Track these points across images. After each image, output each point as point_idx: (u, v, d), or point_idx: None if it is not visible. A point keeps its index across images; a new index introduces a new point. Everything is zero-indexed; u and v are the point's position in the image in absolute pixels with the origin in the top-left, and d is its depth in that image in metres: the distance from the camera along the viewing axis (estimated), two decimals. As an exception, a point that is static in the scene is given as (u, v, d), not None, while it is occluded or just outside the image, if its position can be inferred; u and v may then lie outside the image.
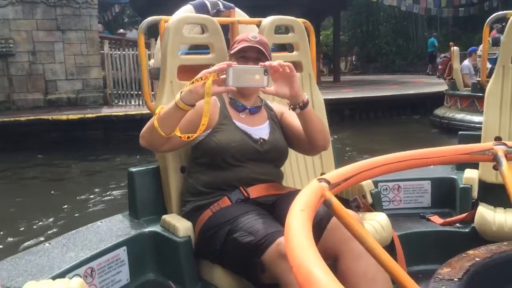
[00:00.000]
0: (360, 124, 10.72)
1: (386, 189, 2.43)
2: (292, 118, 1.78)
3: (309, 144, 1.72)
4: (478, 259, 0.95)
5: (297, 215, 0.78)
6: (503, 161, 1.25)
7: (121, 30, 15.34)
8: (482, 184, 2.28)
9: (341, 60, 22.97)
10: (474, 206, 2.19)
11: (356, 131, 9.80)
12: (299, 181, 2.17)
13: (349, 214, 0.89)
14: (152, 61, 2.60)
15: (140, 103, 9.46)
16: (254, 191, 1.64)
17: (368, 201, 2.03)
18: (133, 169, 1.97)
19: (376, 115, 11.37)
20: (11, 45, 9.22)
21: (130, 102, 9.79)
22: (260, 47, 1.68)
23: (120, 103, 9.88)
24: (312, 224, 0.75)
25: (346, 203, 2.05)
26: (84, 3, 9.78)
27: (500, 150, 1.28)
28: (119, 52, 9.83)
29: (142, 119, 6.91)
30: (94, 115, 8.39)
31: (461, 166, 2.46)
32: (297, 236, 0.68)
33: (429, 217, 2.30)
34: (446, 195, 2.40)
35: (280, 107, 1.89)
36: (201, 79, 1.47)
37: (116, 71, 9.82)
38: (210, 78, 1.47)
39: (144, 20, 2.03)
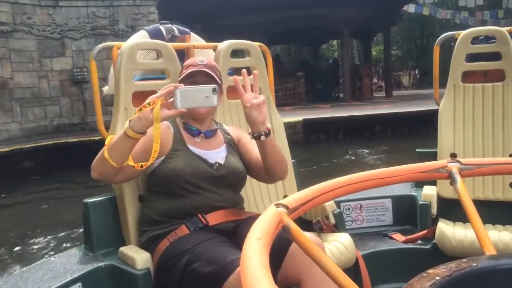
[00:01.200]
0: (391, 139, 10.32)
1: (349, 208, 2.43)
2: (250, 146, 1.76)
3: (267, 174, 1.69)
4: (438, 278, 0.94)
5: (254, 243, 0.75)
6: (458, 177, 1.27)
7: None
8: (441, 200, 2.32)
9: (404, 75, 22.93)
10: (434, 222, 2.22)
11: (388, 145, 9.72)
12: (261, 205, 2.14)
13: (308, 239, 0.87)
14: (106, 87, 2.54)
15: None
16: (213, 218, 1.59)
17: (331, 222, 2.02)
18: (88, 200, 1.89)
19: (410, 131, 10.71)
20: (85, 73, 10.56)
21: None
22: (208, 71, 1.67)
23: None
24: (270, 251, 0.72)
25: (309, 225, 2.04)
26: (148, 32, 10.57)
27: (454, 167, 1.30)
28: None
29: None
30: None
31: (420, 183, 2.51)
32: (252, 266, 0.65)
33: (392, 235, 2.31)
34: (407, 212, 2.43)
35: (237, 131, 1.86)
36: (149, 105, 1.43)
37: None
38: (158, 102, 1.43)
39: (96, 47, 1.98)
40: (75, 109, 10.91)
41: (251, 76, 1.56)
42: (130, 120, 1.47)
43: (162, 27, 2.43)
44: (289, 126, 9.96)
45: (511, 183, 2.35)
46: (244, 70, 1.59)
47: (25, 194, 6.85)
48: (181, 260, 1.45)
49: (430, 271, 1.01)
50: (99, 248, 1.85)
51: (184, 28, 2.52)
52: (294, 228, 0.88)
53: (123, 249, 1.73)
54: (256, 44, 2.32)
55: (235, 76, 1.55)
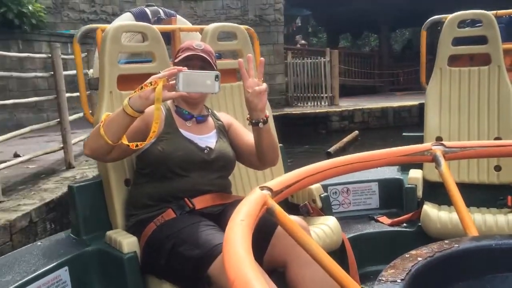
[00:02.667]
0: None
1: (336, 192, 2.45)
2: (241, 132, 1.76)
3: (259, 159, 1.70)
4: (420, 259, 0.95)
5: (237, 225, 0.75)
6: (442, 161, 1.28)
7: (297, 37, 16.45)
8: (426, 183, 2.35)
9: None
10: (420, 205, 2.25)
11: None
12: (248, 189, 2.15)
13: (292, 221, 0.87)
14: (91, 70, 2.51)
15: (316, 104, 11.44)
16: (200, 202, 1.59)
17: (318, 205, 2.03)
18: (74, 184, 1.88)
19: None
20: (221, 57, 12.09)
21: (307, 104, 11.59)
22: (205, 56, 1.65)
23: (299, 104, 11.74)
24: (255, 233, 0.72)
25: (296, 208, 2.05)
26: (273, 21, 11.87)
27: (438, 150, 1.31)
28: (299, 61, 11.65)
29: (316, 117, 10.30)
30: (277, 113, 9.20)
31: (406, 166, 2.53)
32: (234, 247, 0.66)
33: (378, 218, 2.34)
34: (393, 195, 2.46)
35: (228, 118, 1.86)
36: (151, 84, 1.42)
37: (296, 77, 11.72)
38: (160, 83, 1.42)
39: (80, 29, 1.95)
40: None
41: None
42: (129, 98, 1.45)
43: (147, 9, 2.39)
44: (404, 110, 10.45)
45: (495, 166, 2.38)
46: (250, 55, 1.59)
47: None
48: (167, 243, 1.45)
49: (413, 252, 1.02)
50: (86, 232, 1.84)
51: (170, 11, 2.49)
52: (279, 210, 0.88)
53: (110, 233, 1.72)
54: (243, 27, 2.30)
55: (240, 60, 1.54)
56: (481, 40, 2.49)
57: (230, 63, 2.24)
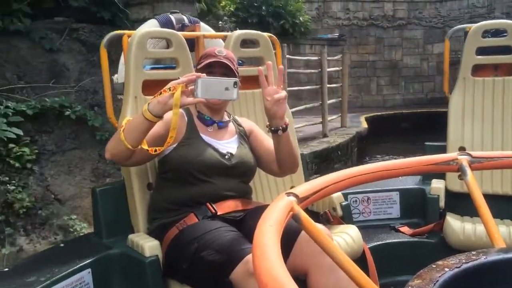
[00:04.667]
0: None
1: (356, 201, 2.43)
2: (262, 138, 1.77)
3: (279, 167, 1.70)
4: (447, 270, 0.94)
5: (266, 231, 0.75)
6: (468, 170, 1.27)
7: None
8: (449, 194, 2.32)
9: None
10: (442, 215, 2.22)
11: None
12: (269, 196, 2.15)
13: (317, 228, 0.87)
14: (116, 76, 2.55)
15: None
16: (222, 207, 1.60)
17: (338, 214, 2.02)
18: (97, 187, 1.91)
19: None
20: (458, 55, 13.16)
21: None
22: (227, 62, 1.66)
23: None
24: (280, 239, 0.73)
25: (316, 216, 2.04)
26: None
27: (464, 160, 1.29)
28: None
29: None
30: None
31: (428, 176, 2.50)
32: (265, 254, 0.66)
33: (399, 228, 2.32)
34: (415, 205, 2.43)
35: (249, 124, 1.87)
36: (169, 90, 1.44)
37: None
38: (179, 89, 1.43)
39: (107, 35, 1.98)
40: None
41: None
42: (148, 104, 1.47)
43: (172, 17, 2.43)
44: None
45: None
46: (269, 62, 1.59)
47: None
48: (190, 248, 1.46)
49: (440, 262, 1.01)
50: (108, 235, 1.86)
51: (194, 18, 2.52)
52: (304, 217, 0.88)
53: (132, 236, 1.74)
54: (266, 34, 2.32)
55: (259, 68, 1.55)
56: (506, 50, 2.46)
57: (252, 70, 2.26)
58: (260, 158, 1.76)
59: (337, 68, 8.44)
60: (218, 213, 1.59)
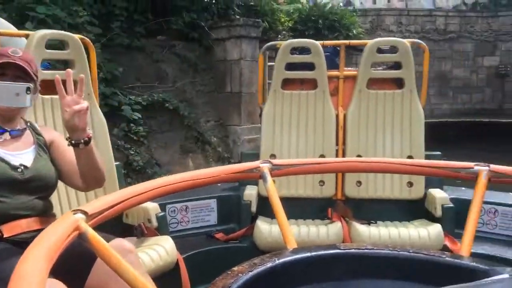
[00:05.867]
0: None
1: (174, 210, 2.41)
2: (64, 149, 1.59)
3: (83, 181, 1.56)
4: (241, 275, 0.97)
5: (34, 252, 0.67)
6: (268, 177, 1.35)
7: None
8: (261, 198, 2.46)
9: None
10: (254, 220, 2.34)
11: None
12: None
13: (106, 247, 0.82)
14: None
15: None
16: (9, 229, 1.40)
17: (153, 226, 1.97)
18: None
19: None
20: (508, 68, 13.07)
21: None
22: (23, 64, 1.47)
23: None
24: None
25: (131, 229, 1.96)
26: None
27: (265, 167, 1.37)
28: None
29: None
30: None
31: (246, 182, 2.62)
32: (25, 277, 0.58)
33: (215, 235, 2.37)
34: (231, 211, 2.52)
35: (51, 133, 1.68)
36: None
37: None
38: None
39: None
40: (495, 98, 13.52)
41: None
42: None
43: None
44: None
45: (320, 181, 2.62)
46: (69, 70, 1.44)
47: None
48: None
49: (235, 268, 1.04)
50: None
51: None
52: (92, 236, 0.81)
53: None
54: (77, 36, 2.15)
55: (56, 75, 1.39)
56: (310, 66, 2.73)
57: (52, 74, 2.07)
58: (62, 171, 1.60)
59: None
60: (5, 236, 1.39)
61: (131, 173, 5.43)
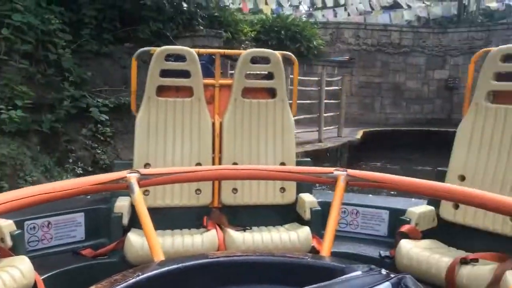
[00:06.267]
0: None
1: (34, 227, 2.19)
2: None
3: None
4: (100, 293, 0.90)
5: None
6: (136, 188, 1.28)
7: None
8: (134, 210, 2.35)
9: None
10: (126, 233, 2.22)
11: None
12: None
13: None
14: None
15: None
16: None
17: (7, 245, 1.76)
18: None
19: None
20: (456, 81, 14.52)
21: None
22: None
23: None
24: None
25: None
26: None
27: (133, 178, 1.30)
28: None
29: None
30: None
31: (117, 193, 2.47)
32: None
33: (81, 251, 2.20)
34: (101, 225, 2.36)
35: None
36: None
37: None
38: None
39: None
40: (444, 108, 14.67)
41: None
42: None
43: None
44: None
45: (197, 189, 2.59)
46: None
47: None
48: None
49: (93, 286, 0.96)
50: None
51: None
52: None
53: None
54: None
55: None
56: (186, 73, 2.70)
57: None
58: None
59: (336, 88, 10.58)
60: None
61: (97, 171, 5.79)
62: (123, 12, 7.18)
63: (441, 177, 2.43)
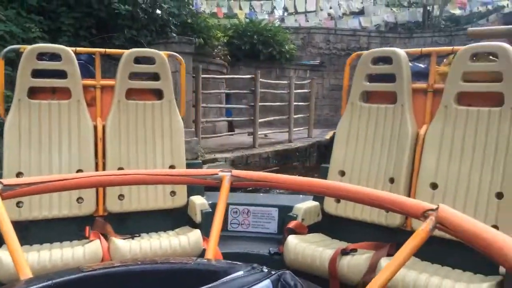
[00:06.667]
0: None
1: None
2: None
3: None
4: None
5: None
6: (-3, 199, 1.14)
7: None
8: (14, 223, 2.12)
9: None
10: None
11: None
12: None
13: None
14: None
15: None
16: None
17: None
18: None
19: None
20: None
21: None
22: None
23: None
24: None
25: None
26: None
27: (-7, 188, 1.16)
28: None
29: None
30: None
31: None
32: None
33: None
34: None
35: None
36: None
37: None
38: None
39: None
40: None
41: None
42: None
43: None
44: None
45: (79, 198, 2.41)
46: None
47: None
48: None
49: None
50: None
51: None
52: None
53: None
54: None
55: None
56: (62, 73, 2.51)
57: None
58: None
59: (306, 90, 10.81)
60: None
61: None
62: (99, 20, 7.46)
63: (325, 173, 2.54)
